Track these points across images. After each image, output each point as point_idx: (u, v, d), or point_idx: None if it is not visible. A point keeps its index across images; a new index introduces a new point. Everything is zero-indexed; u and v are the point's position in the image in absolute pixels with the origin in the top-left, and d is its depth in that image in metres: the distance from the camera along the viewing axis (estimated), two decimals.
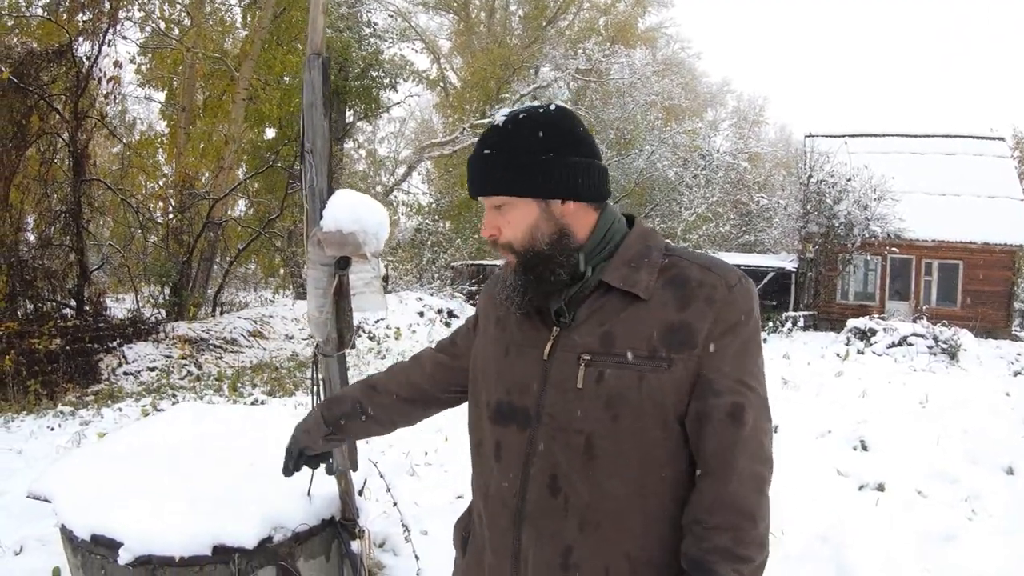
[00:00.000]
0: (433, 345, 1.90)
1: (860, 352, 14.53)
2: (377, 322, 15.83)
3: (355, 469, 2.60)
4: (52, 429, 7.91)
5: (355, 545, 2.71)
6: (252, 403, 9.39)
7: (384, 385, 1.86)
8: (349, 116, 27.87)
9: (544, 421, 1.43)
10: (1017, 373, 12.27)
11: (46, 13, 13.23)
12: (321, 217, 2.12)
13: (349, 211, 2.08)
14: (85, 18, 12.86)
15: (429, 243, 26.21)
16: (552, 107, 1.46)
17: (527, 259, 1.45)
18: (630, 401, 1.36)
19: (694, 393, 1.37)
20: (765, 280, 25.42)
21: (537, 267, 1.44)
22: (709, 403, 1.36)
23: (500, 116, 1.47)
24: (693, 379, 1.37)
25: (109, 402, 9.38)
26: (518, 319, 1.54)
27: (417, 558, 2.92)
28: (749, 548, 1.31)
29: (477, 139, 1.51)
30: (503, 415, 1.50)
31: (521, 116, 1.44)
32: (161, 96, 21.79)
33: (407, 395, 1.83)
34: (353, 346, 2.28)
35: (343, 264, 2.18)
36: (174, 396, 9.84)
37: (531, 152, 1.41)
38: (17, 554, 4.11)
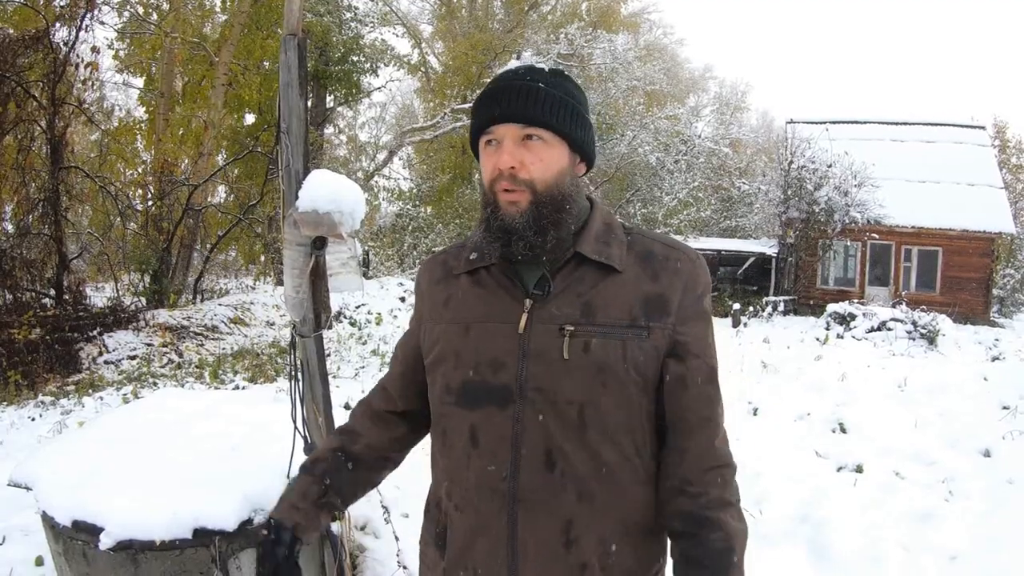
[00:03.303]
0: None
1: (840, 336, 14.60)
2: (358, 307, 15.79)
3: None
4: (33, 419, 7.87)
5: (335, 527, 2.72)
6: (233, 390, 9.36)
7: (357, 423, 1.73)
8: (329, 101, 27.69)
9: (529, 396, 1.40)
10: (995, 358, 12.34)
11: None
12: (297, 198, 2.11)
13: (325, 191, 2.08)
14: (62, 3, 12.71)
15: (410, 228, 26.13)
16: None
17: (544, 201, 1.41)
18: (616, 369, 1.39)
19: (673, 356, 1.44)
20: (746, 265, 25.59)
21: (549, 215, 1.42)
22: (690, 365, 1.44)
23: (531, 62, 1.50)
24: (668, 345, 1.43)
25: (90, 391, 9.32)
26: (479, 294, 1.51)
27: (397, 539, 2.94)
28: (734, 492, 1.46)
29: (505, 71, 1.50)
30: (472, 397, 1.45)
31: (558, 69, 1.50)
32: (140, 82, 21.61)
33: (384, 422, 1.71)
34: (330, 326, 2.29)
35: (319, 244, 2.18)
36: (155, 384, 9.79)
37: (580, 104, 1.48)
38: (0, 544, 4.09)
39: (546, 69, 1.47)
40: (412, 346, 1.67)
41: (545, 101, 1.42)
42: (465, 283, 1.55)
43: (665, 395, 1.45)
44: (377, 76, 27.72)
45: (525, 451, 1.40)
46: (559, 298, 1.44)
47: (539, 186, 1.41)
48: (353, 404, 7.52)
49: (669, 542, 1.52)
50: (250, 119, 23.97)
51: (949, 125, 26.99)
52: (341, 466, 1.66)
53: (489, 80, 1.59)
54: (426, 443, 1.82)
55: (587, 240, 1.47)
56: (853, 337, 14.59)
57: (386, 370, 1.77)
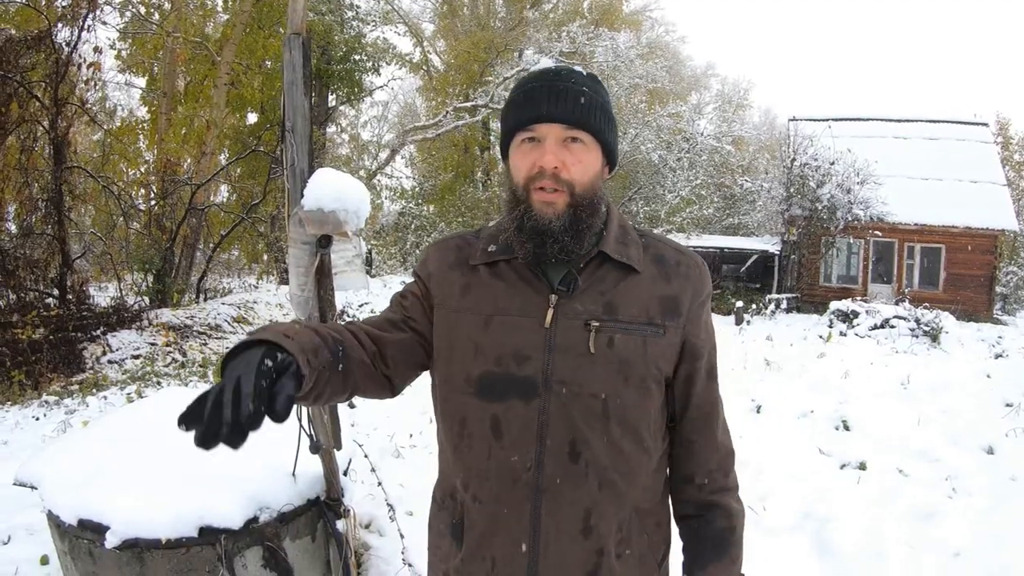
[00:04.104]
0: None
1: (843, 334, 14.60)
2: (362, 306, 15.81)
3: (339, 448, 2.61)
4: (37, 419, 7.88)
5: (340, 525, 2.73)
6: None
7: (353, 339, 1.48)
8: (332, 100, 27.74)
9: (555, 389, 1.42)
10: (998, 356, 12.30)
11: None
12: (302, 196, 2.11)
13: (330, 189, 2.08)
14: (65, 3, 12.69)
15: (413, 227, 26.19)
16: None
17: (581, 203, 1.45)
18: (637, 364, 1.46)
19: (683, 356, 1.54)
20: (749, 263, 25.54)
21: (586, 218, 1.46)
22: (696, 365, 1.55)
23: (563, 64, 1.55)
24: (679, 344, 1.52)
25: (94, 391, 9.34)
26: (499, 287, 1.51)
27: (403, 537, 2.95)
28: (734, 479, 1.63)
29: (546, 70, 1.49)
30: (494, 389, 1.45)
31: (593, 74, 1.54)
32: (142, 82, 21.60)
33: (370, 363, 1.50)
34: None
35: (324, 243, 2.18)
36: (159, 383, 9.80)
37: (611, 109, 1.54)
38: (5, 544, 4.09)
39: (584, 73, 1.51)
40: (420, 321, 1.58)
41: (589, 105, 1.45)
42: (484, 274, 1.54)
43: (675, 392, 1.56)
44: (379, 75, 27.85)
45: (550, 442, 1.43)
46: (584, 295, 1.47)
47: (578, 188, 1.45)
48: (357, 404, 7.48)
49: (675, 527, 1.64)
50: (252, 118, 23.97)
51: (952, 122, 26.95)
52: (335, 365, 1.39)
53: (521, 76, 1.59)
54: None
55: (609, 240, 1.52)
56: (856, 335, 14.61)
57: None
